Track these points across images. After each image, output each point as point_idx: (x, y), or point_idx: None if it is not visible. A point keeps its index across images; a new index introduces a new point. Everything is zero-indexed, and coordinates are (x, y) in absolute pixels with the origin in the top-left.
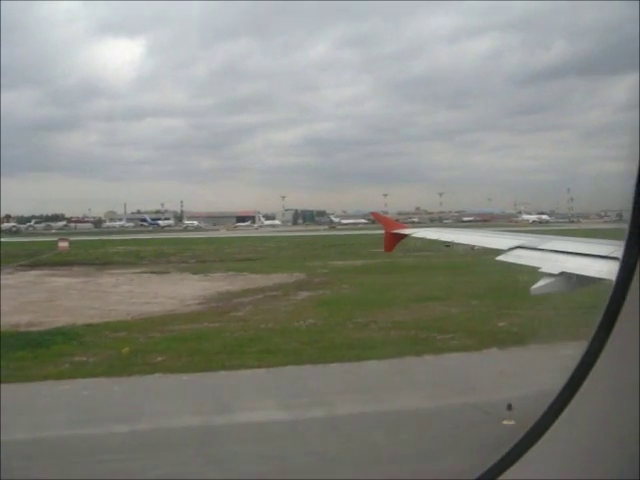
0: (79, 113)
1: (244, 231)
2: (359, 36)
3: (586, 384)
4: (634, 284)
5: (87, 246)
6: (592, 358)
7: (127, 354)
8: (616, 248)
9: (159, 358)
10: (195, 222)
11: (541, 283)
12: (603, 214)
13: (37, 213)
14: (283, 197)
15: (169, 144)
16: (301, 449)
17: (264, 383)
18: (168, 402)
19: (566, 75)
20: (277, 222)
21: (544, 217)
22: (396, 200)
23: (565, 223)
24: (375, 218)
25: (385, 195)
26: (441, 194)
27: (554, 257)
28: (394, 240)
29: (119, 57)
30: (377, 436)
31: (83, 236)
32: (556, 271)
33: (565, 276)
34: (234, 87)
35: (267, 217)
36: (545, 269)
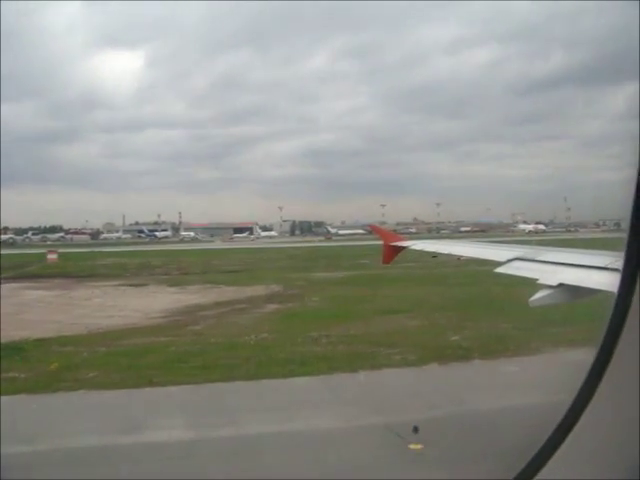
0: (79, 125)
1: (240, 242)
2: (358, 47)
3: (596, 396)
4: (636, 295)
5: (77, 258)
6: (600, 369)
7: (55, 370)
8: (613, 259)
9: (91, 374)
10: (192, 233)
11: (539, 295)
12: (601, 223)
13: (37, 225)
14: (281, 208)
15: (169, 155)
16: (192, 469)
17: (183, 401)
18: (76, 421)
19: (565, 85)
20: (274, 233)
21: (540, 227)
22: (395, 210)
23: (562, 232)
24: (373, 231)
25: (383, 206)
26: (438, 204)
27: (552, 268)
28: (393, 252)
29: (119, 68)
30: (266, 458)
31: (77, 248)
32: (554, 282)
33: (564, 288)
34: (234, 98)
35: (265, 228)
36: (543, 281)
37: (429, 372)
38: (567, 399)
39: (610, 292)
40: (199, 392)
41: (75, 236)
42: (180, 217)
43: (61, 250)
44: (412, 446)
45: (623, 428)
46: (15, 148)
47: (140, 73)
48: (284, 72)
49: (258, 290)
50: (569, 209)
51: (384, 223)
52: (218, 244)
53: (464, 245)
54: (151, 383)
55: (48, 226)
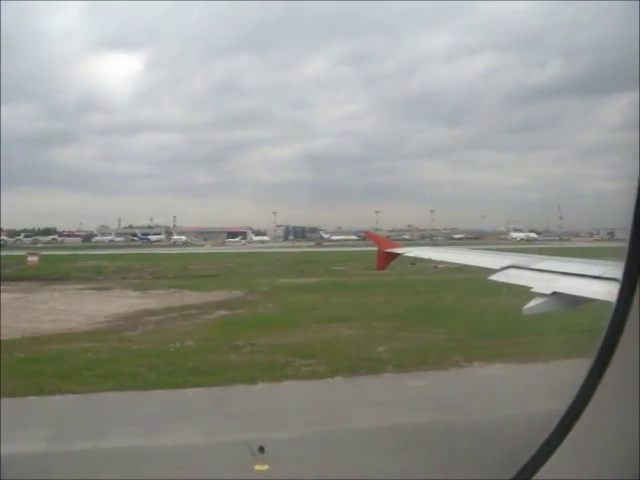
0: (76, 127)
1: (231, 247)
2: (356, 54)
3: (592, 402)
4: (635, 303)
5: (58, 261)
6: (597, 377)
7: None
8: (607, 268)
9: None
10: (183, 237)
11: (533, 303)
12: (596, 232)
13: (32, 227)
14: (274, 213)
15: (166, 159)
16: None
17: (57, 411)
18: None
19: (562, 94)
20: (266, 238)
21: (532, 235)
22: (390, 217)
23: (555, 241)
24: (368, 237)
25: (376, 212)
26: (432, 211)
27: (546, 277)
28: (387, 259)
29: (117, 72)
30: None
31: (65, 250)
32: (547, 291)
33: (557, 296)
34: (231, 103)
35: (260, 233)
36: (537, 289)
37: (328, 386)
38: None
39: (604, 301)
40: (77, 402)
41: (67, 239)
42: (174, 221)
43: (46, 253)
44: (258, 467)
45: (621, 431)
46: (12, 150)
47: (138, 77)
48: (282, 77)
49: (219, 296)
50: (561, 218)
51: (378, 229)
52: (207, 248)
53: (457, 253)
54: (40, 392)
55: (42, 228)
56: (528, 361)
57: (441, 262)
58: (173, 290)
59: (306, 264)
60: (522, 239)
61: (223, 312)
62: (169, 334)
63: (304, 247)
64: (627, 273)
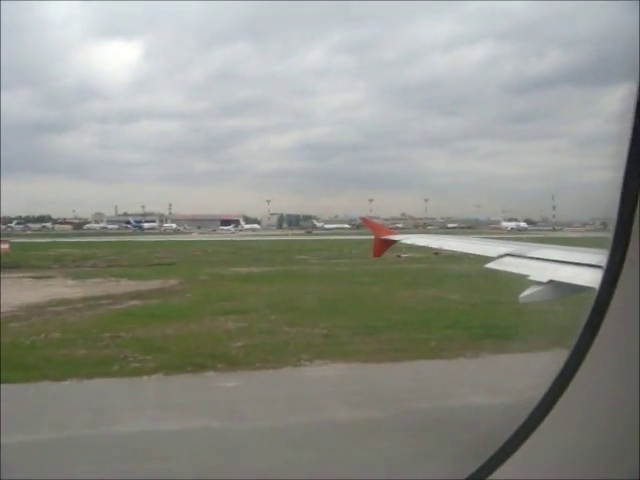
0: (74, 115)
1: (219, 235)
2: (355, 42)
3: (569, 389)
4: (617, 292)
5: (30, 248)
6: (576, 364)
7: None
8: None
9: None
10: (173, 225)
11: (529, 291)
12: (591, 222)
13: (30, 214)
14: (268, 201)
15: (164, 147)
16: None
17: None
18: None
19: (561, 84)
20: (256, 226)
21: (522, 225)
22: (388, 205)
23: (546, 231)
24: (365, 223)
25: (370, 200)
26: (426, 200)
27: (542, 265)
28: (383, 246)
29: (115, 59)
30: None
31: (47, 238)
32: (543, 279)
33: (553, 284)
34: (230, 91)
35: (256, 221)
36: (533, 277)
37: (133, 384)
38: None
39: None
40: None
41: (57, 226)
42: (170, 208)
43: (27, 240)
44: None
45: (591, 428)
46: (9, 137)
47: (136, 64)
48: (281, 66)
49: (150, 285)
50: (554, 207)
51: (374, 218)
52: (194, 236)
53: (455, 240)
54: None
55: (37, 216)
56: (374, 361)
57: (439, 250)
58: (112, 279)
59: (276, 252)
60: (512, 228)
61: (135, 302)
62: (50, 326)
63: (293, 235)
64: (610, 264)
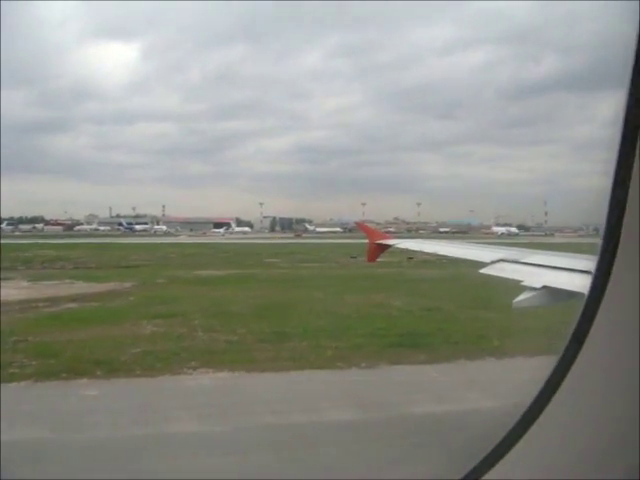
0: (70, 115)
1: (208, 237)
2: (353, 45)
3: (559, 393)
4: (606, 297)
5: (11, 250)
6: (565, 367)
7: None
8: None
9: None
10: (164, 227)
11: (523, 296)
12: (585, 228)
13: (24, 214)
14: (261, 204)
15: (160, 149)
16: None
17: None
18: None
19: (557, 89)
20: (247, 229)
21: (513, 230)
22: (382, 209)
23: (537, 236)
24: (359, 228)
25: (363, 204)
26: (419, 204)
27: (536, 271)
28: (378, 250)
29: (112, 60)
30: None
31: (40, 239)
32: (538, 285)
33: (547, 290)
34: (227, 93)
35: (247, 224)
36: (527, 283)
37: None
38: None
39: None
40: None
41: (47, 227)
42: (163, 210)
43: (10, 241)
44: None
45: (579, 432)
46: (4, 137)
47: (134, 65)
48: (278, 68)
49: (102, 287)
50: (546, 213)
51: (370, 222)
52: (181, 238)
53: (449, 246)
54: None
55: (30, 216)
56: (260, 370)
57: (413, 255)
58: (68, 281)
59: (252, 255)
60: (503, 233)
61: (71, 305)
62: None
63: (281, 239)
64: (598, 270)
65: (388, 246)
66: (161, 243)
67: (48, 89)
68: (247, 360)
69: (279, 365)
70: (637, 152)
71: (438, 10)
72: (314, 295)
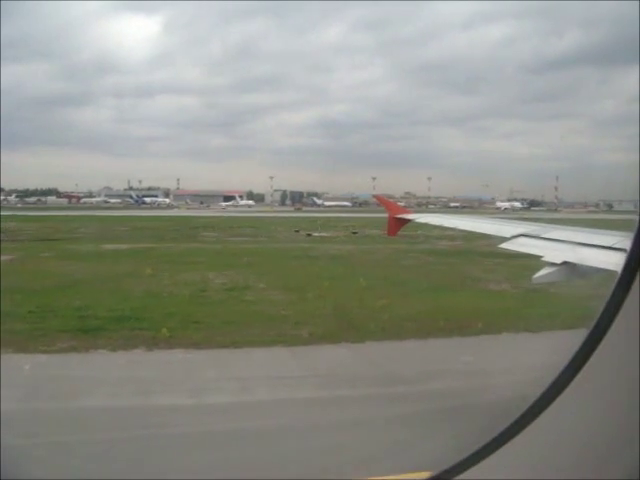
0: (92, 89)
1: (206, 210)
2: (374, 19)
3: (582, 374)
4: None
5: None
6: (591, 347)
7: None
8: (620, 239)
9: None
10: (167, 200)
11: (543, 272)
12: (594, 204)
13: (39, 187)
14: (271, 177)
15: (180, 122)
16: None
17: None
18: None
19: (579, 64)
20: (251, 202)
21: (516, 205)
22: (394, 184)
23: (537, 212)
24: (379, 201)
25: (374, 178)
26: (429, 179)
27: (557, 246)
28: (397, 224)
29: (135, 34)
30: None
31: (35, 212)
32: (557, 260)
33: (567, 266)
34: (248, 67)
35: (260, 198)
36: (547, 258)
37: None
38: None
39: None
40: None
41: (51, 199)
42: (178, 183)
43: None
44: None
45: (619, 398)
46: (26, 110)
47: (156, 39)
48: (300, 42)
49: None
50: (556, 188)
51: (391, 196)
52: (175, 211)
53: (468, 220)
54: None
55: (44, 189)
56: None
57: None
58: None
59: (194, 229)
60: (506, 208)
61: None
62: None
63: (280, 212)
64: (635, 247)
65: (407, 220)
66: (140, 216)
67: (70, 63)
68: None
69: None
70: None
71: None
72: (161, 270)
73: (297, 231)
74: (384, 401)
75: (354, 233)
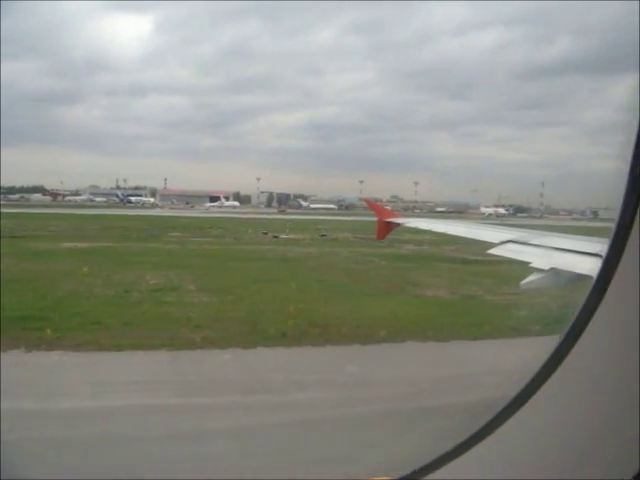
0: (82, 87)
1: (188, 211)
2: (366, 23)
3: (556, 375)
4: (614, 282)
5: None
6: (564, 353)
7: None
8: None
9: None
10: (151, 199)
11: (530, 278)
12: (589, 212)
13: (26, 184)
14: (258, 179)
15: (171, 122)
16: None
17: None
18: None
19: (570, 72)
20: (236, 204)
21: (500, 211)
22: (381, 188)
23: (522, 218)
24: (368, 205)
25: (361, 182)
26: (416, 183)
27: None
28: (387, 228)
29: (126, 32)
30: None
31: (18, 209)
32: (545, 267)
33: (553, 272)
34: (239, 67)
35: (247, 199)
36: (535, 264)
37: None
38: None
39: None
40: None
41: (35, 197)
42: (165, 183)
43: None
44: None
45: (588, 404)
46: (17, 107)
47: (147, 38)
48: (291, 44)
49: None
50: (541, 195)
51: (378, 200)
52: (157, 211)
53: (457, 225)
54: None
55: (30, 186)
56: None
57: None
58: None
59: (164, 229)
60: (490, 214)
61: None
62: None
63: (256, 214)
64: (609, 255)
65: (396, 224)
66: (119, 215)
67: (61, 60)
68: None
69: None
70: None
71: None
72: (100, 270)
73: (265, 233)
74: (242, 410)
75: (322, 236)
